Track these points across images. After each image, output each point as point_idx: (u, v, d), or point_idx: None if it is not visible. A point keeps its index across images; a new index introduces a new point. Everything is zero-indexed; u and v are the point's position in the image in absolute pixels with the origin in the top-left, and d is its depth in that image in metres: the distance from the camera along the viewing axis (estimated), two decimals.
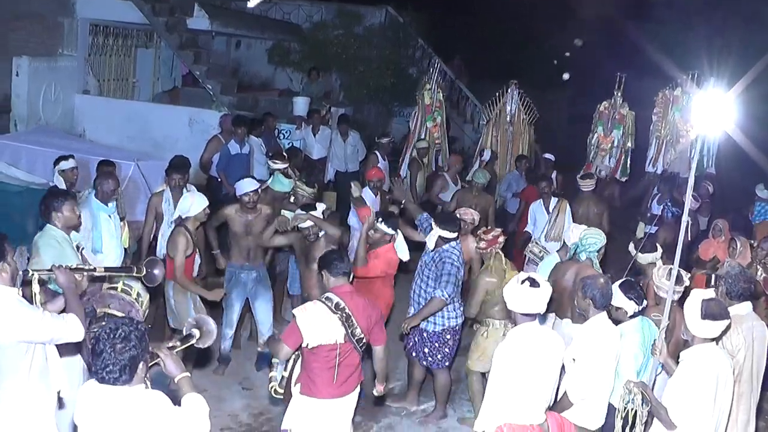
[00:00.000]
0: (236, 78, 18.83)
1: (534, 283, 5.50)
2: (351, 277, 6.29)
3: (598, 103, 15.21)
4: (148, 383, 4.31)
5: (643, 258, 7.84)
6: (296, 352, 6.10)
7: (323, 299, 6.02)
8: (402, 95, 15.86)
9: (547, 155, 13.80)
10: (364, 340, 6.07)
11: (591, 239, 7.59)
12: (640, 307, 6.26)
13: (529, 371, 5.33)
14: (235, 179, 11.71)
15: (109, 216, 7.99)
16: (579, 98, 19.67)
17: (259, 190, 8.77)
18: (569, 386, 5.82)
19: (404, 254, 8.23)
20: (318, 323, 5.86)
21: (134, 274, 5.87)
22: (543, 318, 6.00)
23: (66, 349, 5.33)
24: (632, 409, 5.72)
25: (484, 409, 5.52)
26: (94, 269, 5.66)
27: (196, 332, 5.14)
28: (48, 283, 5.80)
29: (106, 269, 5.88)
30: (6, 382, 4.95)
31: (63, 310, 5.19)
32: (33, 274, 5.21)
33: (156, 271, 5.82)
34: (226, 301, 8.60)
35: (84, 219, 7.52)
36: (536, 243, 10.00)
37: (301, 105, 16.66)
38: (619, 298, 6.20)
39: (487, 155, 14.40)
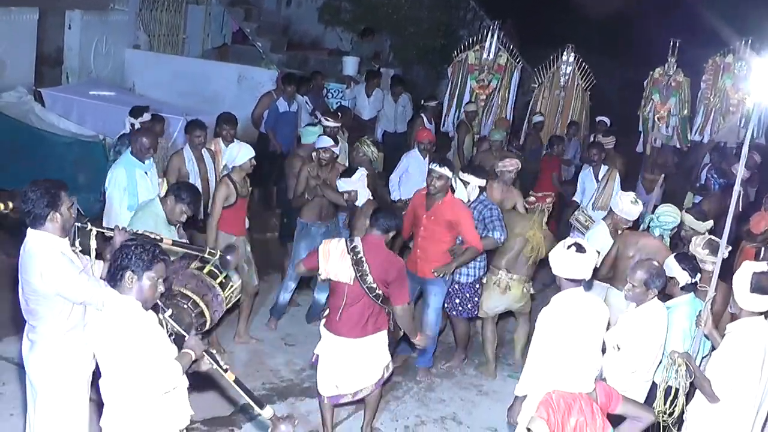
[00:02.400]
0: (286, 36, 18.76)
1: (580, 248, 5.47)
2: (389, 236, 6.53)
3: (649, 70, 14.90)
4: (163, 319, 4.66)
5: (700, 226, 7.78)
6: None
7: (348, 239, 6.52)
8: (452, 57, 15.75)
9: (603, 118, 13.59)
10: (377, 291, 6.33)
11: (668, 217, 7.54)
12: (693, 280, 6.21)
13: (573, 338, 5.32)
14: (283, 137, 11.89)
15: (146, 173, 7.87)
16: (630, 64, 19.28)
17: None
18: (609, 374, 5.82)
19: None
20: (332, 257, 6.36)
21: (205, 255, 5.90)
22: (588, 285, 5.97)
23: None
24: (675, 383, 5.74)
25: (525, 373, 5.54)
26: (161, 239, 5.64)
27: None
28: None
29: (175, 242, 5.86)
30: (44, 328, 5.11)
31: None
32: (91, 230, 5.28)
33: (230, 257, 5.85)
34: (295, 252, 8.72)
35: (119, 177, 7.62)
36: (583, 211, 9.93)
37: (350, 65, 16.58)
38: (673, 268, 6.17)
39: (536, 119, 14.30)
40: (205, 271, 5.91)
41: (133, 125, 9.21)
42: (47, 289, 4.95)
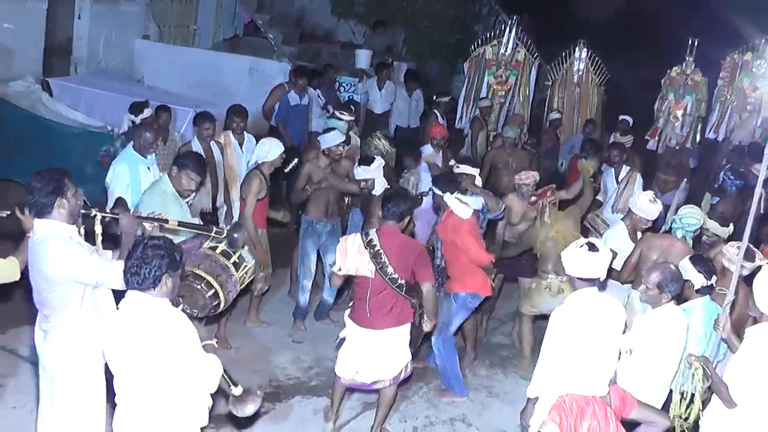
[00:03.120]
0: (299, 28, 18.76)
1: (593, 247, 5.44)
2: (404, 222, 6.60)
3: (666, 68, 14.78)
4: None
5: (724, 232, 7.68)
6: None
7: (363, 234, 6.57)
8: (466, 52, 15.67)
9: (625, 117, 13.40)
10: (399, 282, 6.38)
11: (691, 219, 7.41)
12: (709, 282, 6.15)
13: (586, 339, 5.26)
14: (294, 130, 11.83)
15: (149, 168, 7.75)
16: (647, 62, 19.15)
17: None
18: (622, 379, 5.77)
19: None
20: (350, 253, 6.44)
21: (213, 234, 5.85)
22: (603, 285, 5.90)
23: None
24: (691, 387, 5.69)
25: (537, 375, 5.47)
26: (166, 221, 5.61)
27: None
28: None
29: (180, 223, 5.80)
30: (57, 317, 5.11)
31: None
32: (96, 215, 5.25)
33: (237, 235, 5.80)
34: (302, 251, 8.71)
35: (122, 173, 7.53)
36: (597, 216, 9.81)
37: (363, 58, 16.52)
38: (688, 271, 6.12)
39: (553, 116, 14.22)
40: (218, 251, 5.89)
41: (133, 122, 9.15)
42: (59, 274, 4.96)
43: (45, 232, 4.99)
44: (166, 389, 4.37)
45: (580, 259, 5.41)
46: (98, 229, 5.26)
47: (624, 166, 10.60)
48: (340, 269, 6.54)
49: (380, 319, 6.51)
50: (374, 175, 8.10)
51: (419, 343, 7.15)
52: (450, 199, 7.45)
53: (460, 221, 7.48)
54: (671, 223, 7.56)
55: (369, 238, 6.44)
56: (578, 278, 5.44)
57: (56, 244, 4.94)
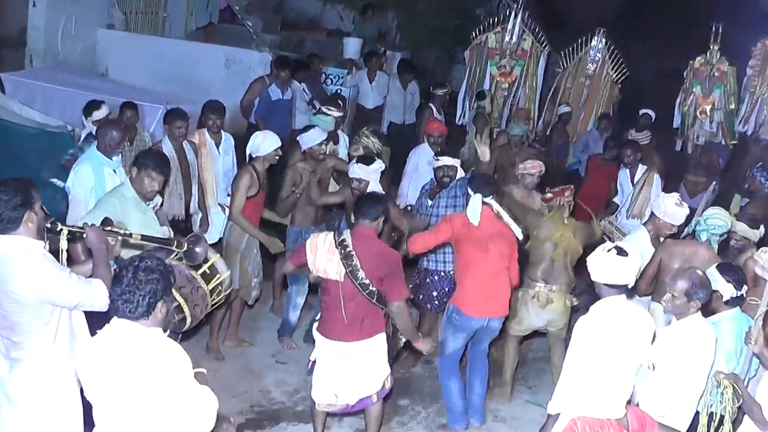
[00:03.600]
0: (280, 14, 18.78)
1: (622, 251, 5.49)
2: (379, 223, 6.63)
3: (689, 57, 14.70)
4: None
5: (755, 235, 7.70)
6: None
7: (335, 233, 6.60)
8: (466, 40, 15.66)
9: (647, 111, 13.38)
10: (371, 288, 6.41)
11: (717, 221, 7.40)
12: (739, 293, 6.15)
13: (609, 352, 5.30)
14: (275, 128, 11.73)
15: (114, 171, 7.68)
16: (668, 50, 19.19)
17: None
18: (643, 399, 5.79)
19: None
20: (320, 251, 6.47)
21: (173, 248, 5.85)
22: (630, 294, 5.95)
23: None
24: (720, 408, 5.70)
25: (559, 390, 5.52)
26: (130, 234, 5.65)
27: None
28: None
29: (143, 237, 5.82)
30: (31, 343, 5.06)
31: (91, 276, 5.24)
32: (62, 229, 5.24)
33: (198, 249, 5.80)
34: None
35: (85, 176, 7.49)
36: (610, 222, 9.80)
37: (352, 47, 16.55)
38: (716, 281, 6.09)
39: (562, 110, 14.24)
40: (185, 261, 5.84)
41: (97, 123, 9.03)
42: (32, 296, 4.91)
43: (12, 249, 4.91)
44: (157, 428, 4.34)
45: (607, 263, 5.47)
46: (63, 245, 5.25)
47: (640, 165, 10.52)
48: (310, 270, 6.61)
49: (351, 330, 6.53)
50: (371, 177, 8.01)
51: (395, 353, 7.21)
52: (477, 201, 7.39)
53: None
54: (695, 225, 7.57)
55: (341, 238, 6.48)
56: (605, 285, 5.50)
57: (30, 263, 4.89)
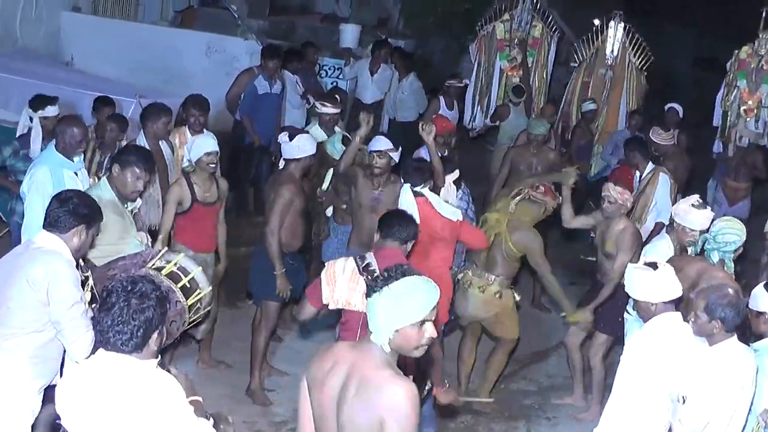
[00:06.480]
0: None
1: (654, 266, 5.77)
2: (408, 246, 6.50)
3: (734, 46, 14.44)
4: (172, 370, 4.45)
5: None
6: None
7: (357, 257, 6.41)
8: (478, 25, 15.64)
9: (673, 105, 13.29)
10: None
11: (729, 236, 7.38)
12: None
13: (661, 378, 5.48)
14: (263, 125, 11.69)
15: (76, 173, 7.64)
16: (708, 37, 19.11)
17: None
18: None
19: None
20: (340, 282, 6.25)
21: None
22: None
23: None
24: None
25: (606, 416, 5.77)
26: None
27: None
28: None
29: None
30: (6, 343, 5.34)
31: None
32: (88, 278, 5.66)
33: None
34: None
35: (42, 179, 7.38)
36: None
37: (349, 34, 16.59)
38: (763, 301, 6.02)
39: (587, 107, 14.09)
40: (165, 272, 5.88)
41: (31, 119, 8.94)
42: (39, 288, 5.25)
43: (50, 242, 5.38)
44: None
45: (654, 281, 5.71)
46: (86, 296, 5.60)
47: (649, 164, 10.39)
48: (329, 305, 6.35)
49: None
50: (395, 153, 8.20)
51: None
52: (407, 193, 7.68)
53: None
54: (704, 243, 7.40)
55: (366, 263, 6.28)
56: (661, 303, 5.75)
57: (58, 260, 5.31)
